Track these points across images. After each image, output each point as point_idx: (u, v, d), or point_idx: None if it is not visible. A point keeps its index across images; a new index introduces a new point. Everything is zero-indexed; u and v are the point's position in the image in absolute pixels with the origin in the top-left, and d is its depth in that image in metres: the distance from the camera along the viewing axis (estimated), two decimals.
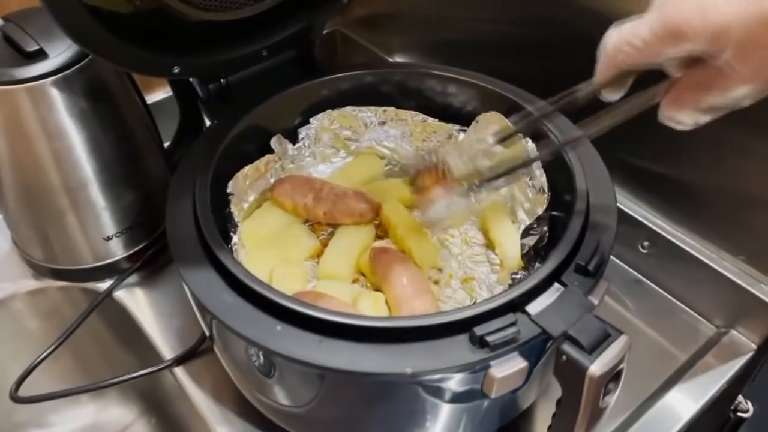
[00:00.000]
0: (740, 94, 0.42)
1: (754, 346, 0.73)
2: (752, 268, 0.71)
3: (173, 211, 0.59)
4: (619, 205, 0.63)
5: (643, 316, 0.78)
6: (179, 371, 0.73)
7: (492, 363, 0.49)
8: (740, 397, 0.82)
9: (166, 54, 0.64)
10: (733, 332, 0.74)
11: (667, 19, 0.41)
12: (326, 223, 0.73)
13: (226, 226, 0.65)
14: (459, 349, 0.49)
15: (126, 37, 0.59)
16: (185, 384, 0.72)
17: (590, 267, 0.54)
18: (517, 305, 0.51)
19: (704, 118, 0.46)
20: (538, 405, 0.67)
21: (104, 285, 0.80)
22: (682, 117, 0.47)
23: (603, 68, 0.47)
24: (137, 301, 0.80)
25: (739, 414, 0.83)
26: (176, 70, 0.64)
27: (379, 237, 0.73)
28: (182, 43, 0.65)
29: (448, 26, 0.93)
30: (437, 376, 0.51)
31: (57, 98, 0.66)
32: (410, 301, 0.60)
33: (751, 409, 0.83)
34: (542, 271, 0.53)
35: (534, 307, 0.52)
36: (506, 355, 0.50)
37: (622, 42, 0.44)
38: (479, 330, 0.49)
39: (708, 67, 0.42)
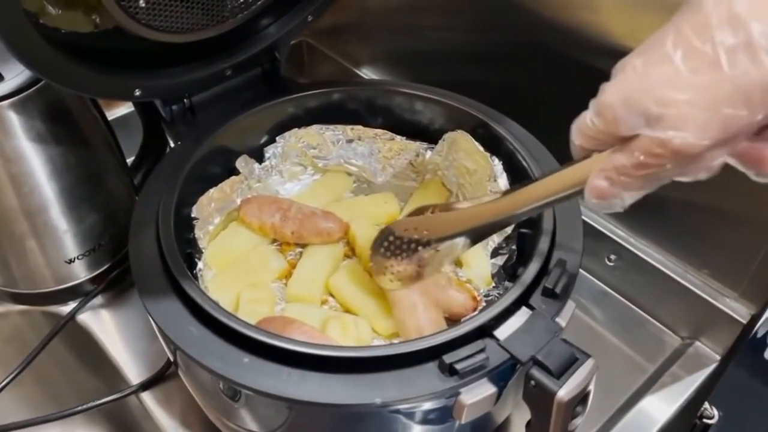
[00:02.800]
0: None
1: (718, 357, 0.74)
2: (716, 282, 0.72)
3: (136, 240, 0.58)
4: (585, 218, 0.64)
5: (610, 327, 0.79)
6: (146, 396, 0.72)
7: (461, 390, 0.49)
8: (706, 404, 0.83)
9: (126, 77, 0.62)
10: (698, 343, 0.75)
11: (599, 101, 0.43)
12: (294, 242, 0.73)
13: (190, 250, 0.64)
14: (428, 377, 0.49)
15: (84, 61, 0.58)
16: (152, 409, 0.71)
17: (557, 290, 0.54)
18: (485, 330, 0.52)
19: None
20: (514, 418, 0.67)
21: (67, 308, 0.78)
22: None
23: (574, 152, 0.48)
24: (102, 324, 0.78)
25: (705, 420, 0.84)
26: (138, 93, 0.63)
27: (347, 256, 0.73)
28: (143, 64, 0.64)
29: (414, 36, 0.93)
30: (407, 405, 0.50)
31: (14, 121, 0.65)
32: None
33: (716, 415, 0.84)
34: (510, 295, 0.53)
35: (502, 332, 0.52)
36: (475, 382, 0.50)
37: (576, 131, 0.46)
38: (448, 358, 0.49)
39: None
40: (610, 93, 0.42)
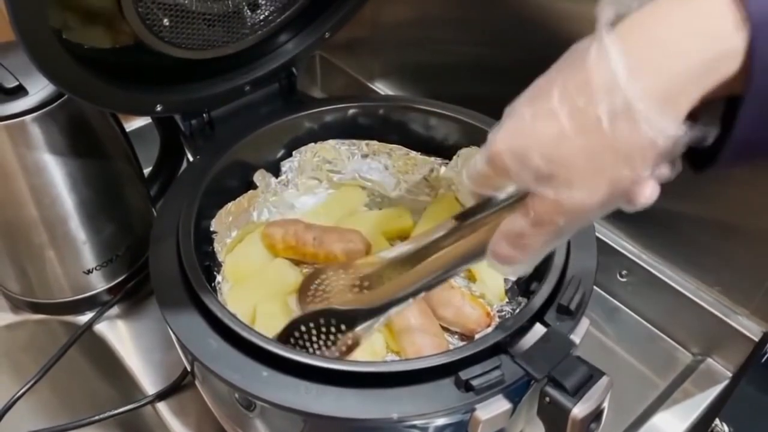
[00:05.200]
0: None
1: (730, 374, 0.74)
2: (727, 299, 0.72)
3: (156, 253, 0.59)
4: (597, 234, 0.64)
5: (622, 343, 0.79)
6: (161, 406, 0.73)
7: (477, 406, 0.50)
8: (717, 420, 0.83)
9: (148, 92, 0.64)
10: (710, 360, 0.75)
11: (488, 150, 0.42)
12: (314, 250, 0.72)
13: (209, 263, 0.65)
14: (444, 392, 0.50)
15: (107, 77, 0.59)
16: (167, 419, 0.72)
17: (572, 306, 0.55)
18: (501, 347, 0.52)
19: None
20: None
21: (84, 318, 0.79)
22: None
23: (466, 195, 0.49)
24: (118, 334, 0.79)
25: None
26: (159, 108, 0.64)
27: None
28: (165, 80, 0.65)
29: (427, 50, 0.94)
30: (423, 420, 0.51)
31: (37, 135, 0.66)
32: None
33: (727, 431, 0.84)
34: (525, 312, 0.54)
35: (518, 349, 0.52)
36: (491, 398, 0.50)
37: (468, 177, 0.46)
38: (464, 374, 0.49)
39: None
40: (500, 141, 0.42)
